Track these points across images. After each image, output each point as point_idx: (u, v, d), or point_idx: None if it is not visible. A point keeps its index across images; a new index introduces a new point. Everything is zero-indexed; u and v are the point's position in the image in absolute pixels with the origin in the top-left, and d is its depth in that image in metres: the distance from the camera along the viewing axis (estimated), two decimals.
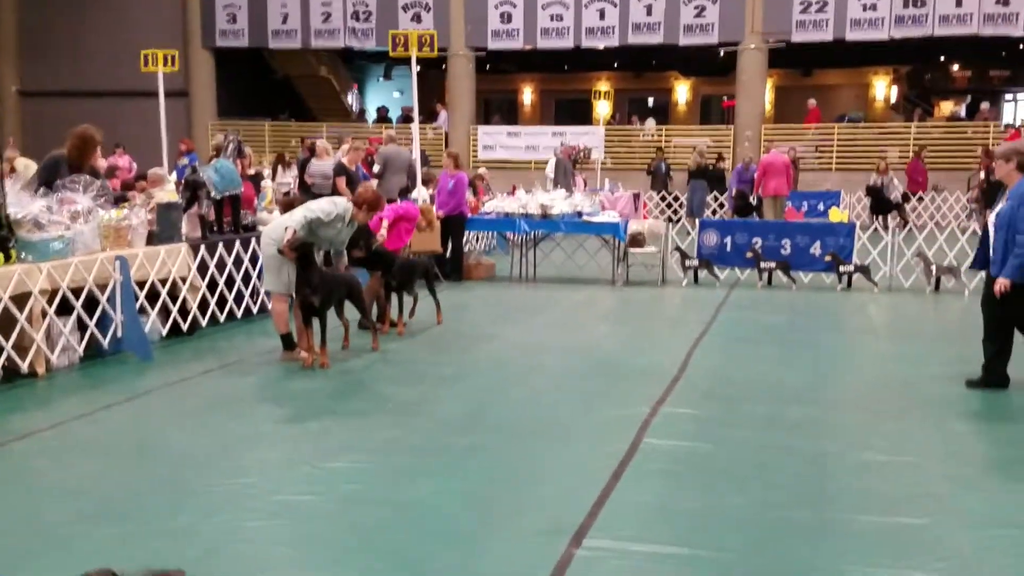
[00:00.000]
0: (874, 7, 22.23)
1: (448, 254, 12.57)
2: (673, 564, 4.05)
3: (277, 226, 7.80)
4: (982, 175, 20.49)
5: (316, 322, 7.59)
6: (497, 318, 10.30)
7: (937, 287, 11.95)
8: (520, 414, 6.37)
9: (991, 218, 6.94)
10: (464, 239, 13.33)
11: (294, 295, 7.71)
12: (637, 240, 12.83)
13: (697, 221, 13.57)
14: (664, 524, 4.49)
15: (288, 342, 7.85)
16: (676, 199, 22.59)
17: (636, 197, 20.80)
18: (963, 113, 27.68)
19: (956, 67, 30.58)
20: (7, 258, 6.86)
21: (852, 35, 22.57)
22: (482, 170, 19.08)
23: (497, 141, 25.02)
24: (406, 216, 9.67)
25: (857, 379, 7.69)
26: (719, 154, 23.56)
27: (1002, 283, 6.65)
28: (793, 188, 21.01)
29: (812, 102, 25.48)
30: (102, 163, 11.14)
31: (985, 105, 25.79)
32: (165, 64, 13.66)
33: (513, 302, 11.55)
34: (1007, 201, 6.75)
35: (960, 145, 23.56)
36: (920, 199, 21.70)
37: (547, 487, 4.96)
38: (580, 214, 12.90)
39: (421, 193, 12.87)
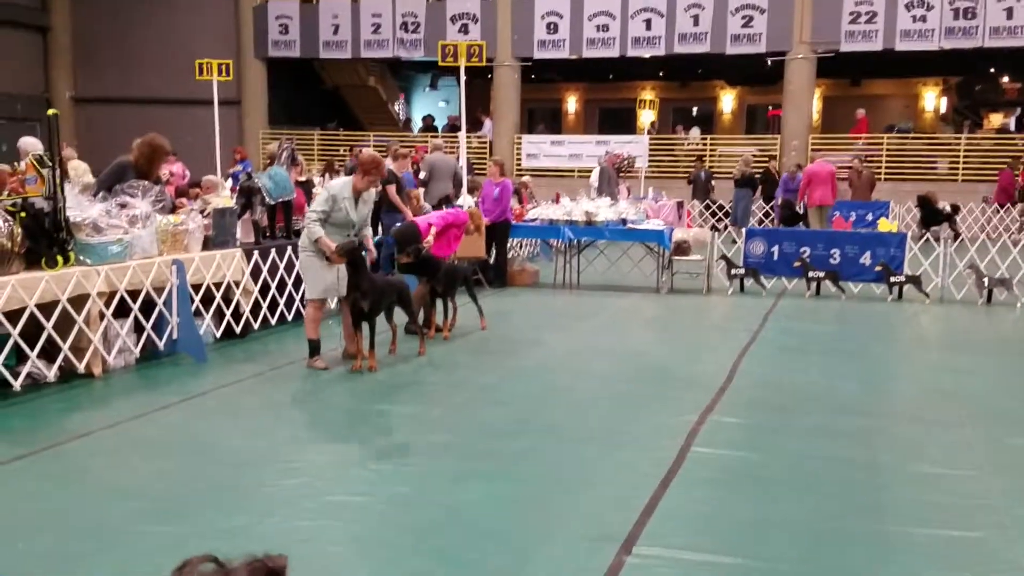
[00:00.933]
0: (924, 18, 21.96)
1: (492, 260, 12.65)
2: (724, 573, 4.03)
3: (305, 235, 7.73)
4: None
5: (365, 326, 7.65)
6: (542, 324, 10.32)
7: (989, 299, 11.76)
8: (567, 419, 6.38)
9: None
10: (508, 245, 13.39)
11: (344, 300, 7.79)
12: (682, 248, 12.79)
13: (743, 230, 13.48)
14: (714, 533, 4.47)
15: (314, 348, 7.81)
16: (721, 208, 22.47)
17: (680, 205, 20.73)
18: (1012, 126, 27.19)
19: (1006, 79, 30.05)
20: (66, 260, 6.99)
21: (901, 45, 22.30)
22: (526, 178, 19.16)
23: (541, 150, 25.08)
24: (456, 223, 9.71)
25: (910, 390, 7.60)
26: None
27: None
28: (868, 198, 20.90)
29: (861, 112, 25.21)
30: (164, 171, 11.35)
31: None
32: (220, 73, 13.92)
33: (557, 308, 11.57)
34: None
35: (1010, 157, 23.13)
36: (1008, 210, 21.31)
37: (596, 493, 4.97)
38: (625, 221, 12.89)
39: (466, 200, 12.98)
